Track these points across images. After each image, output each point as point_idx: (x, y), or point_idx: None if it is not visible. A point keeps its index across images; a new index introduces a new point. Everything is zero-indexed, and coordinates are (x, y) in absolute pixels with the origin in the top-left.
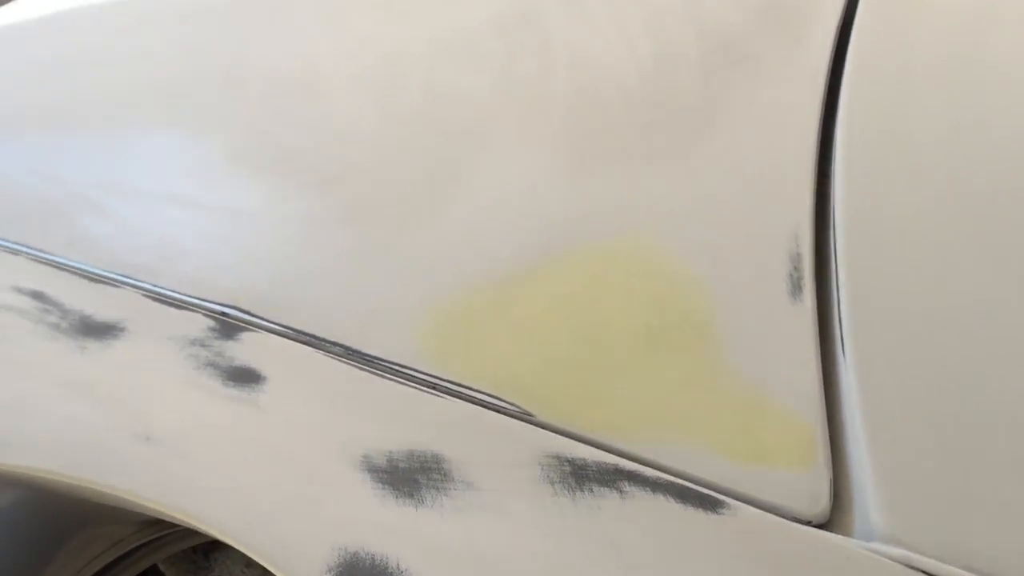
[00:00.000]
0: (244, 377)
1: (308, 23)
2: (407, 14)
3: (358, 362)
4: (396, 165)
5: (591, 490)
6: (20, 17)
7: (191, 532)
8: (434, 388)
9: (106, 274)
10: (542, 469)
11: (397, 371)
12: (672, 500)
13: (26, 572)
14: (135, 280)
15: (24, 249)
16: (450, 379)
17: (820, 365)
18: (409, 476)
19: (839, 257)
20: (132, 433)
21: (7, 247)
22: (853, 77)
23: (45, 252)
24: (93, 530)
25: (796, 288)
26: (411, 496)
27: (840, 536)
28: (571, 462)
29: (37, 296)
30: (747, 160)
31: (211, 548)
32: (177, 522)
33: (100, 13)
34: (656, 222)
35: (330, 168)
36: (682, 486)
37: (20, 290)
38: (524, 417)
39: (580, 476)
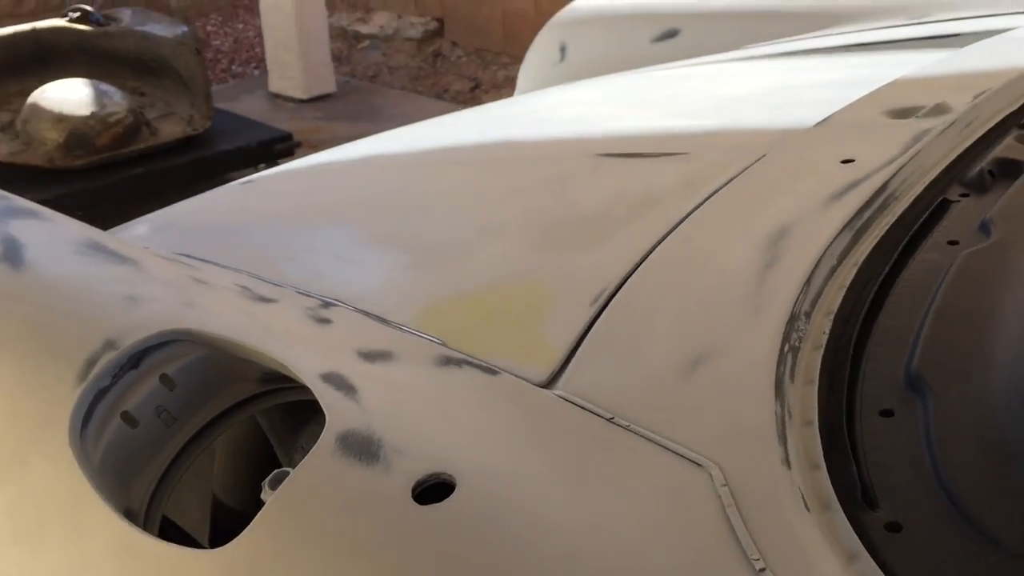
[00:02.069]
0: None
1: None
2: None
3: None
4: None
5: (445, 365)
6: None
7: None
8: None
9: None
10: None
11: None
12: (457, 368)
13: (193, 408)
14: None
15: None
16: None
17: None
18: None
19: None
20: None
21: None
22: None
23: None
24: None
25: None
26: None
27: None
28: (445, 357)
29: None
30: None
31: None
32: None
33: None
34: None
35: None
36: (461, 358)
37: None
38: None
39: (443, 361)
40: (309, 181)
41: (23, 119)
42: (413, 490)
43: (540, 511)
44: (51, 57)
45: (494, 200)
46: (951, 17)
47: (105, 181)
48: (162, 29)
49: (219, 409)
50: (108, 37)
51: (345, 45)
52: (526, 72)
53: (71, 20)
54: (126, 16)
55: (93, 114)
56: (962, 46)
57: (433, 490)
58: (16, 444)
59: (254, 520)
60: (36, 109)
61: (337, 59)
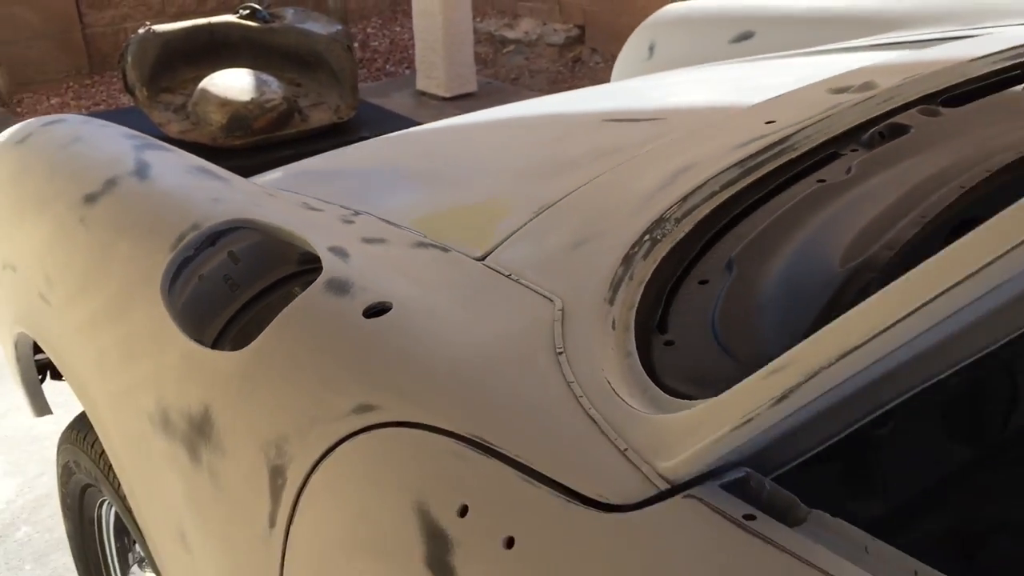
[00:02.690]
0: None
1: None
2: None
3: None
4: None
5: (416, 247)
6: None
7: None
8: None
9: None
10: (412, 243)
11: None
12: (424, 248)
13: (251, 278)
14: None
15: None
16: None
17: None
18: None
19: None
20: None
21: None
22: None
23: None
24: (283, 264)
25: None
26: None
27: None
28: (419, 242)
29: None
30: None
31: None
32: None
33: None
34: None
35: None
36: (429, 243)
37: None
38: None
39: (416, 244)
40: (398, 141)
41: (193, 102)
42: (364, 312)
43: (440, 323)
44: (222, 48)
45: (512, 150)
46: (994, 24)
47: (259, 160)
48: (319, 27)
49: (269, 281)
50: (271, 32)
51: (492, 49)
52: (619, 67)
53: (241, 16)
54: (288, 14)
55: (252, 100)
56: None
57: (377, 311)
58: (126, 294)
59: (264, 330)
60: (205, 94)
61: (483, 62)
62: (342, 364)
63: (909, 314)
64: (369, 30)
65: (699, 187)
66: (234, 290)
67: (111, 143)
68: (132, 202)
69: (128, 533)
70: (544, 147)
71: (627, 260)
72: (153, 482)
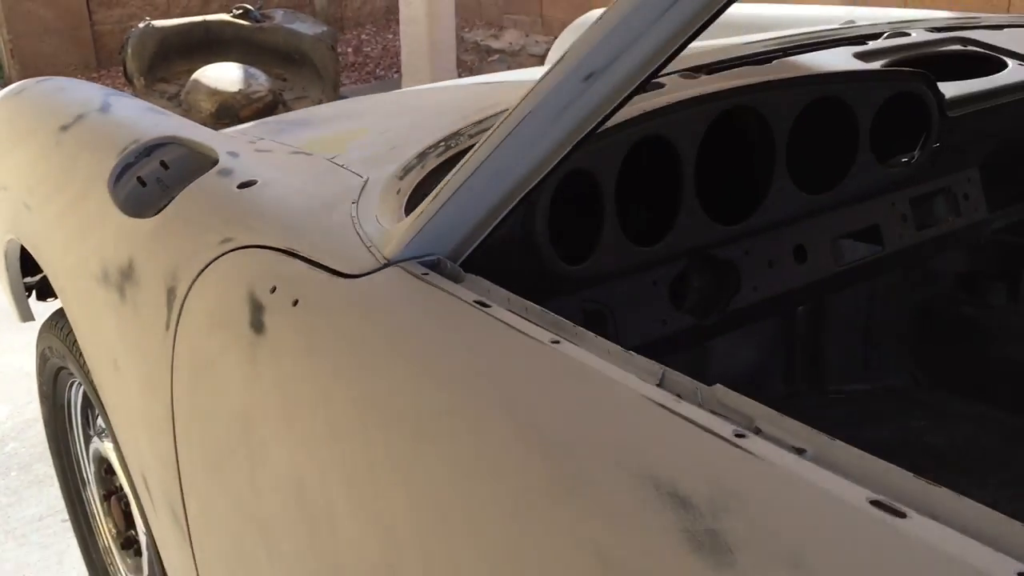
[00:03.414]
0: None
1: None
2: None
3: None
4: None
5: (294, 154)
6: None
7: None
8: None
9: None
10: (292, 152)
11: None
12: (298, 154)
13: (177, 180)
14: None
15: None
16: None
17: None
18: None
19: None
20: None
21: None
22: None
23: None
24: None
25: None
26: None
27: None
28: (297, 151)
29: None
30: None
31: None
32: None
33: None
34: None
35: None
36: (306, 152)
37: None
38: (307, 152)
39: (294, 152)
40: (349, 103)
41: (186, 91)
42: (237, 185)
43: (285, 189)
44: (216, 44)
45: (410, 104)
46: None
47: None
48: (306, 28)
49: (190, 182)
50: (261, 31)
51: (477, 57)
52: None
53: (234, 16)
54: (278, 15)
55: (240, 91)
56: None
57: (246, 184)
58: (84, 192)
59: (170, 202)
60: (196, 84)
61: (469, 69)
62: (216, 216)
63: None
64: (363, 36)
65: (495, 115)
66: (164, 189)
67: (85, 91)
68: (94, 128)
69: (92, 408)
70: (427, 103)
71: (422, 155)
72: (98, 327)
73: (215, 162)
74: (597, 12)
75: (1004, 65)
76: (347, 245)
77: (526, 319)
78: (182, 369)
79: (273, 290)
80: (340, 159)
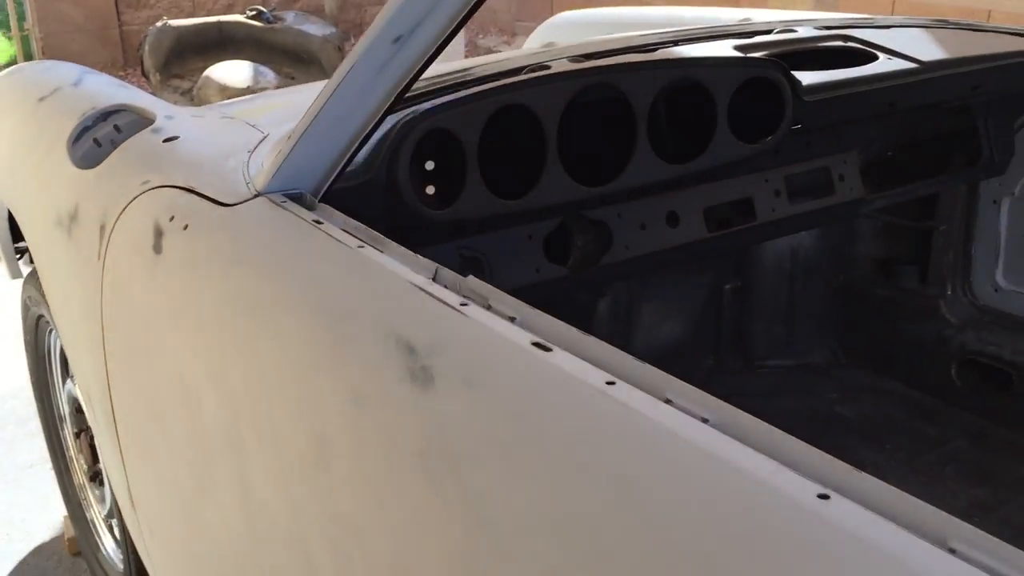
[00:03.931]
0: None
1: None
2: None
3: None
4: None
5: (222, 119)
6: None
7: None
8: None
9: None
10: (222, 117)
11: None
12: (222, 118)
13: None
14: None
15: None
16: None
17: None
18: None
19: None
20: None
21: None
22: None
23: None
24: None
25: None
26: None
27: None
28: (224, 115)
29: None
30: None
31: None
32: None
33: None
34: None
35: None
36: (231, 118)
37: None
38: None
39: (223, 116)
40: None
41: (198, 87)
42: (164, 140)
43: (200, 143)
44: (229, 43)
45: None
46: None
47: None
48: (315, 29)
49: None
50: (273, 32)
51: None
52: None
53: (248, 16)
54: (289, 17)
55: (248, 87)
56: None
57: (170, 139)
58: (49, 151)
59: (108, 156)
60: (208, 80)
61: None
62: (141, 164)
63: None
64: None
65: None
66: (113, 148)
67: (66, 70)
68: (65, 98)
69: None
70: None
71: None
72: (54, 267)
73: (152, 123)
74: (568, 14)
75: (875, 58)
76: (232, 182)
77: (349, 233)
78: (107, 291)
79: (172, 219)
80: (254, 122)
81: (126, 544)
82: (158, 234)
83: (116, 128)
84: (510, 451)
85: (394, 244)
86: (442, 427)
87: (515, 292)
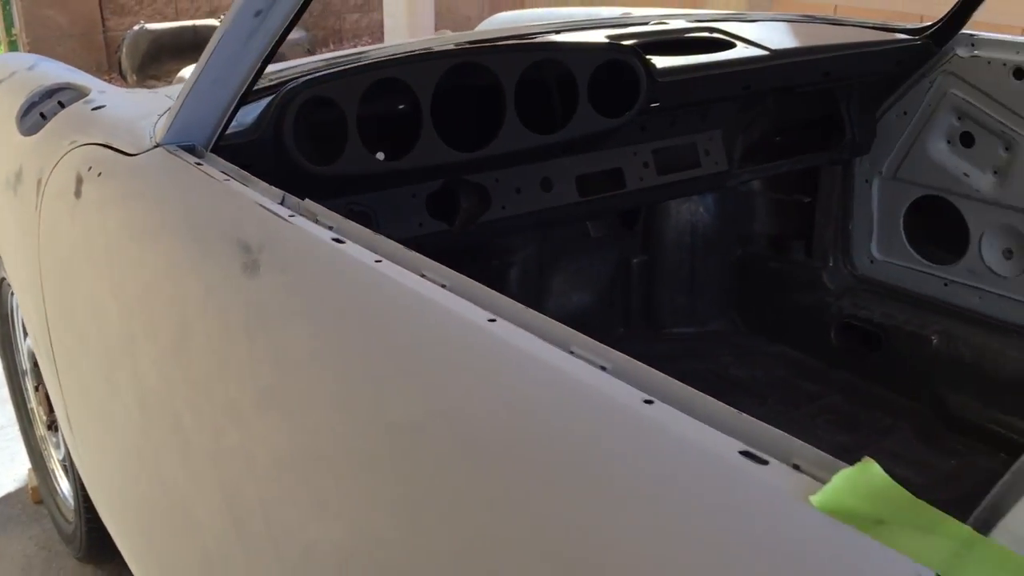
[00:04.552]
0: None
1: None
2: None
3: None
4: None
5: (151, 93)
6: None
7: None
8: None
9: None
10: (150, 95)
11: None
12: (145, 91)
13: None
14: None
15: None
16: None
17: None
18: (135, 93)
19: None
20: None
21: None
22: None
23: None
24: None
25: None
26: None
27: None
28: (152, 88)
29: None
30: None
31: None
32: None
33: None
34: None
35: None
36: (158, 89)
37: None
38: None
39: (153, 90)
40: None
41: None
42: (93, 108)
43: (120, 110)
44: (204, 46)
45: None
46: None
47: None
48: None
49: None
50: None
51: None
52: None
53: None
54: None
55: None
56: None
57: (97, 107)
58: (3, 122)
59: (45, 125)
60: (181, 81)
61: None
62: (72, 128)
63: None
64: (360, 47)
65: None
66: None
67: (24, 58)
68: (20, 80)
69: None
70: None
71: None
72: (4, 225)
73: (87, 96)
74: (502, 15)
75: (733, 46)
76: (140, 138)
77: (222, 171)
78: (43, 239)
79: (89, 169)
80: (172, 94)
81: (74, 478)
82: (79, 182)
83: (59, 103)
84: (307, 317)
85: (256, 180)
86: (261, 303)
87: (402, 243)
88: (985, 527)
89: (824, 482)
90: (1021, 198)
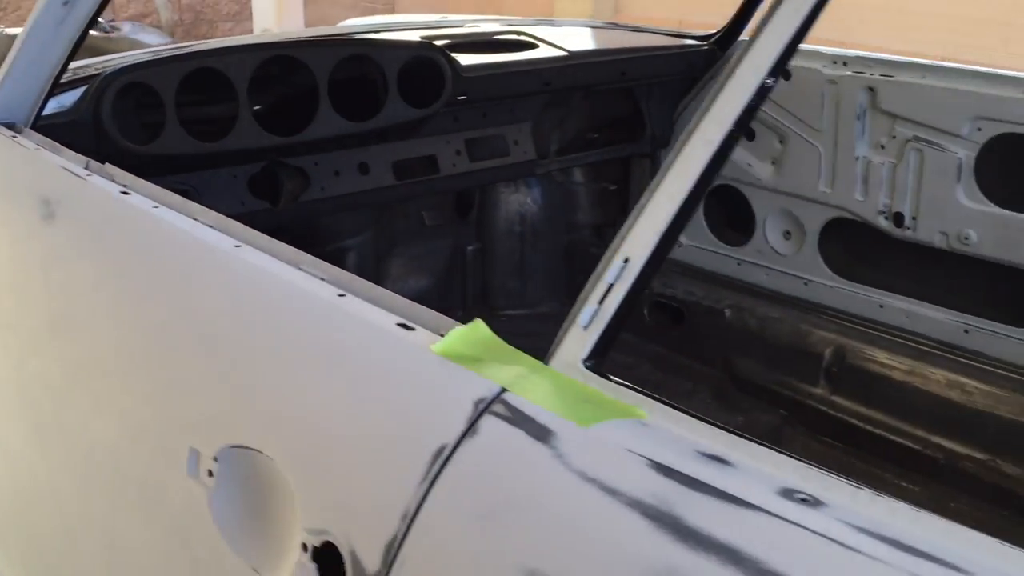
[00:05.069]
0: None
1: None
2: None
3: None
4: None
5: None
6: None
7: None
8: None
9: None
10: None
11: None
12: None
13: None
14: None
15: None
16: None
17: None
18: None
19: None
20: None
21: None
22: None
23: None
24: None
25: None
26: None
27: None
28: None
29: None
30: None
31: None
32: None
33: None
34: None
35: None
36: None
37: None
38: None
39: None
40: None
41: None
42: None
43: None
44: None
45: None
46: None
47: None
48: (151, 39)
49: None
50: (109, 40)
51: None
52: None
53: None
54: (126, 27)
55: None
56: None
57: None
58: None
59: None
60: None
61: None
62: None
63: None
64: None
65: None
66: None
67: None
68: None
69: None
70: None
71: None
72: None
73: None
74: (351, 20)
75: (536, 47)
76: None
77: (35, 143)
78: None
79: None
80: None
81: None
82: None
83: None
84: (92, 255)
85: (65, 149)
86: (56, 246)
87: None
88: (547, 359)
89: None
90: (794, 185)
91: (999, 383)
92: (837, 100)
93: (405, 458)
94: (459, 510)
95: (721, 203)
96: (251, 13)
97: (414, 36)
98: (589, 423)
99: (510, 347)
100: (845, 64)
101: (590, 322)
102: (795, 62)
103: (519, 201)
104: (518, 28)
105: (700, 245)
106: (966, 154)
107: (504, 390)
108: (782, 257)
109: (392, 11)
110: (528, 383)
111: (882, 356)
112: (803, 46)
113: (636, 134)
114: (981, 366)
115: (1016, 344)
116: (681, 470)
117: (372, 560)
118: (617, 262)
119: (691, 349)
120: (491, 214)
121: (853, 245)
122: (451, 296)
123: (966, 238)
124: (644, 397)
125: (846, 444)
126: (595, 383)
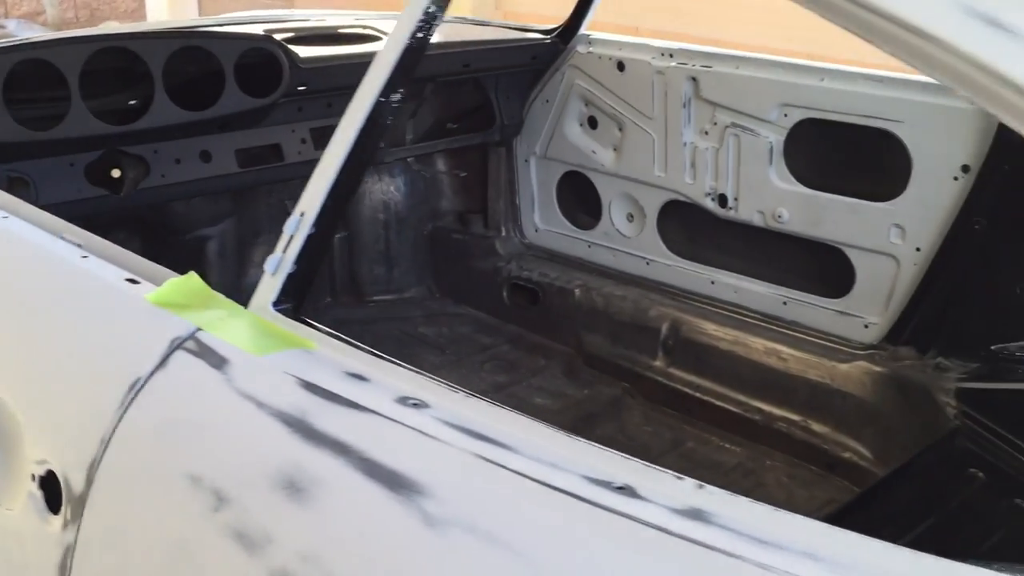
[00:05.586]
0: None
1: None
2: None
3: None
4: None
5: None
6: None
7: None
8: None
9: None
10: None
11: None
12: None
13: None
14: None
15: None
16: None
17: None
18: None
19: None
20: None
21: None
22: None
23: None
24: None
25: None
26: None
27: None
28: None
29: None
30: None
31: None
32: None
33: None
34: None
35: None
36: None
37: None
38: None
39: None
40: None
41: None
42: None
43: None
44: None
45: None
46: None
47: None
48: (37, 35)
49: None
50: None
51: None
52: None
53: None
54: (11, 25)
55: None
56: None
57: None
58: None
59: None
60: None
61: None
62: None
63: None
64: None
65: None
66: None
67: None
68: None
69: None
70: None
71: None
72: None
73: None
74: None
75: (379, 40)
76: None
77: None
78: None
79: None
80: None
81: None
82: None
83: None
84: None
85: None
86: None
87: (63, 206)
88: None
89: None
90: (634, 170)
91: (810, 349)
92: (665, 90)
93: (107, 390)
94: (142, 431)
95: (572, 189)
96: (146, 12)
97: (254, 29)
98: (263, 352)
99: (217, 295)
100: (671, 56)
101: (276, 269)
102: (628, 54)
103: (383, 190)
104: (365, 22)
105: (554, 229)
106: (776, 138)
107: (199, 329)
108: (626, 239)
109: (291, 6)
110: (221, 323)
111: (711, 328)
112: (635, 39)
113: (488, 123)
114: (796, 334)
115: (826, 314)
116: (324, 386)
117: (78, 482)
118: (295, 216)
119: (545, 328)
120: (356, 202)
121: (687, 226)
122: (319, 283)
123: (779, 216)
124: (321, 334)
125: (679, 411)
126: (285, 324)
